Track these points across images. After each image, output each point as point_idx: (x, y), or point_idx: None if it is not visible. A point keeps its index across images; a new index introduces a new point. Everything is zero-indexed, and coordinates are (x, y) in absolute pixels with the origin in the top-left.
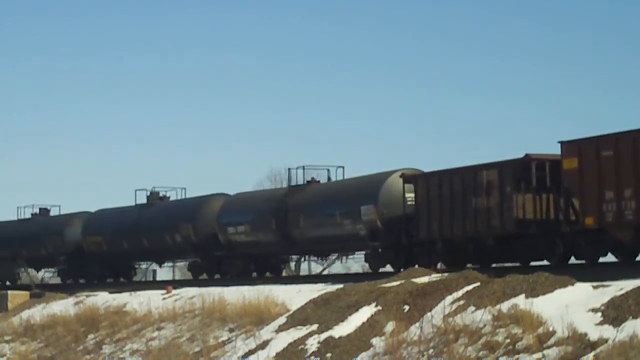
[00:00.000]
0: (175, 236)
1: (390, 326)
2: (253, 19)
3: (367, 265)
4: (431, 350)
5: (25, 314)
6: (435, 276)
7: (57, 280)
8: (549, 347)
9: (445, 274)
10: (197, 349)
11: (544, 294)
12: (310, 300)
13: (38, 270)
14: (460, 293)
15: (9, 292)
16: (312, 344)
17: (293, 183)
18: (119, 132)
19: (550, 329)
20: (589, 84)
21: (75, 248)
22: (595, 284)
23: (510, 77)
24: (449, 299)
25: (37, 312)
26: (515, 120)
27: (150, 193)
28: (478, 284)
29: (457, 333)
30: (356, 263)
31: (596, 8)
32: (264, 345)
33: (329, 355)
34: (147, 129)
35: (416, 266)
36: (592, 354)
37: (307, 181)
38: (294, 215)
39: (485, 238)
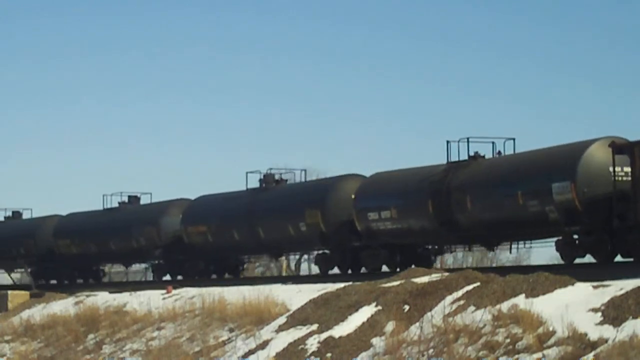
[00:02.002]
0: (300, 225)
1: (390, 326)
2: (251, 18)
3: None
4: (431, 350)
5: (25, 313)
6: (435, 276)
7: (150, 277)
8: (549, 347)
9: (446, 274)
10: (197, 349)
11: (544, 293)
12: (310, 300)
13: (127, 266)
14: (460, 293)
15: (9, 292)
16: (312, 344)
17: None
18: (119, 130)
19: (550, 328)
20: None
21: (173, 240)
22: (595, 284)
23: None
24: (449, 298)
25: (37, 312)
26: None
27: (264, 176)
28: (478, 283)
29: (457, 333)
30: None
31: (596, 8)
32: (264, 345)
33: (329, 355)
34: (151, 126)
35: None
36: (592, 354)
37: (471, 156)
38: (459, 197)
39: None
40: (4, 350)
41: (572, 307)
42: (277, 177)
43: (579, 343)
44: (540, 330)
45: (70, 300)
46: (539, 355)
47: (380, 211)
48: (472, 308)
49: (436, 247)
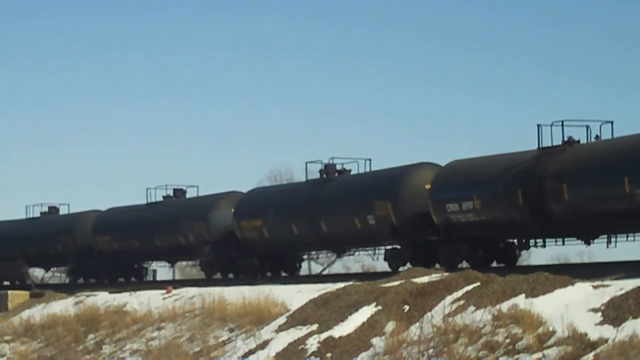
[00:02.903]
0: (368, 218)
1: (390, 326)
2: (262, 17)
3: (366, 265)
4: (431, 350)
5: (25, 313)
6: (435, 276)
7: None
8: (549, 347)
9: (446, 274)
10: (197, 349)
11: (544, 293)
12: (310, 300)
13: (173, 263)
14: (460, 293)
15: (9, 292)
16: (312, 344)
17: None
18: (122, 130)
19: (550, 328)
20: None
21: (223, 235)
22: (595, 284)
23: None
24: (449, 299)
25: (37, 312)
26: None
27: (325, 166)
28: (478, 283)
29: (457, 333)
30: (356, 263)
31: (596, 7)
32: (264, 345)
33: (329, 355)
34: (151, 126)
35: None
36: (592, 354)
37: (565, 141)
38: (553, 185)
39: None
40: (4, 350)
41: (572, 307)
42: (338, 167)
43: (579, 343)
44: (540, 330)
45: (70, 300)
46: (539, 355)
47: (461, 202)
48: (472, 308)
49: (523, 240)
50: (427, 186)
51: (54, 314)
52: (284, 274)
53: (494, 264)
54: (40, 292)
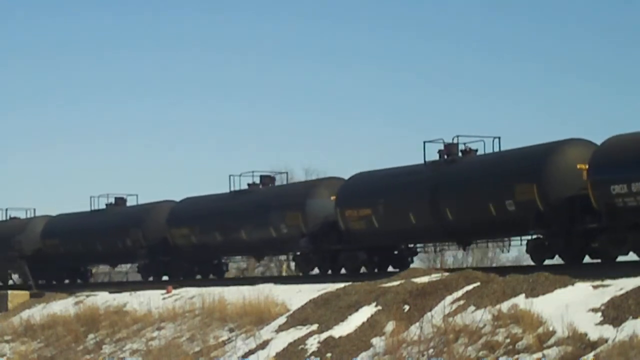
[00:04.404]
0: (506, 203)
1: (390, 326)
2: (250, 17)
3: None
4: (431, 350)
5: (25, 313)
6: (435, 276)
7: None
8: (549, 347)
9: (446, 274)
10: (197, 349)
11: (544, 293)
12: (310, 300)
13: (261, 258)
14: (460, 293)
15: (9, 292)
16: (312, 344)
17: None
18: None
19: (550, 328)
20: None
21: (322, 225)
22: (595, 283)
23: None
24: (449, 298)
25: (37, 312)
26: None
27: (447, 146)
28: (478, 283)
29: (457, 333)
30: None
31: (596, 7)
32: (264, 345)
33: (329, 355)
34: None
35: None
36: (592, 353)
37: None
38: None
39: None
40: (4, 350)
41: (572, 307)
42: (462, 147)
43: (579, 343)
44: (540, 330)
45: (70, 300)
46: (539, 355)
47: (631, 183)
48: (472, 308)
49: None
50: (582, 166)
51: (54, 314)
52: (391, 269)
53: None
54: (40, 292)
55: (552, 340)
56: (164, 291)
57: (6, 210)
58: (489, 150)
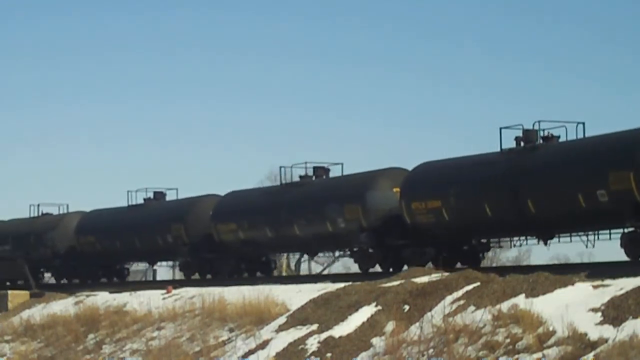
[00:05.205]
0: (598, 194)
1: (390, 326)
2: (253, 17)
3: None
4: (431, 350)
5: (25, 313)
6: (435, 276)
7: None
8: (549, 347)
9: (446, 274)
10: (197, 349)
11: (544, 293)
12: (310, 300)
13: (313, 255)
14: (460, 293)
15: (9, 292)
16: (312, 344)
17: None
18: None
19: (550, 328)
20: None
21: (384, 220)
22: (595, 283)
23: None
24: (449, 298)
25: (37, 312)
26: None
27: (525, 132)
28: (478, 283)
29: (457, 333)
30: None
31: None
32: (264, 345)
33: (329, 355)
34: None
35: None
36: (592, 353)
37: None
38: None
39: None
40: (4, 350)
41: (572, 307)
42: (543, 133)
43: (579, 343)
44: (540, 330)
45: (70, 300)
46: (539, 355)
47: None
48: (472, 308)
49: None
50: None
51: (54, 314)
52: (459, 266)
53: None
54: (40, 292)
55: (552, 340)
56: (164, 291)
57: (38, 205)
58: (571, 137)
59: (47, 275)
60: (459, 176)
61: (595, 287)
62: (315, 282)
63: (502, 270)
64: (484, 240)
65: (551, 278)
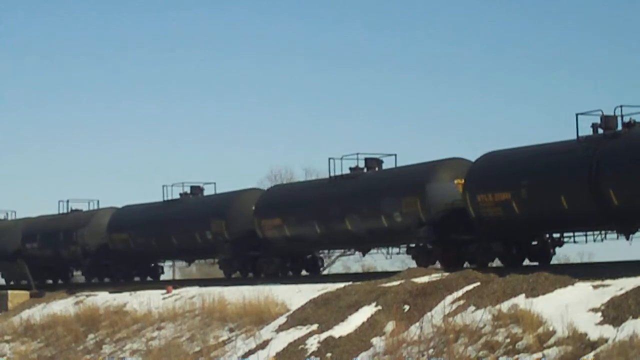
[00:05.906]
0: None
1: (390, 326)
2: (266, 15)
3: (367, 265)
4: (431, 350)
5: (25, 313)
6: (435, 276)
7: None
8: (549, 346)
9: (446, 274)
10: (197, 349)
11: (544, 293)
12: (310, 300)
13: (366, 252)
14: (460, 293)
15: (9, 292)
16: (312, 344)
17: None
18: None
19: (550, 328)
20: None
21: (444, 214)
22: (595, 283)
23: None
24: (449, 298)
25: (37, 312)
26: None
27: (603, 118)
28: (478, 283)
29: (457, 333)
30: (356, 262)
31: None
32: (264, 345)
33: (329, 355)
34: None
35: None
36: (592, 353)
37: None
38: None
39: None
40: (4, 350)
41: (572, 307)
42: (625, 119)
43: (579, 343)
44: (540, 330)
45: (70, 300)
46: (539, 355)
47: None
48: (472, 308)
49: None
50: None
51: (54, 314)
52: (528, 263)
53: None
54: (40, 292)
55: (552, 340)
56: (164, 291)
57: (67, 202)
58: None
59: (77, 274)
60: (531, 166)
61: (595, 287)
62: (315, 282)
63: (502, 270)
64: (556, 235)
65: (551, 278)
